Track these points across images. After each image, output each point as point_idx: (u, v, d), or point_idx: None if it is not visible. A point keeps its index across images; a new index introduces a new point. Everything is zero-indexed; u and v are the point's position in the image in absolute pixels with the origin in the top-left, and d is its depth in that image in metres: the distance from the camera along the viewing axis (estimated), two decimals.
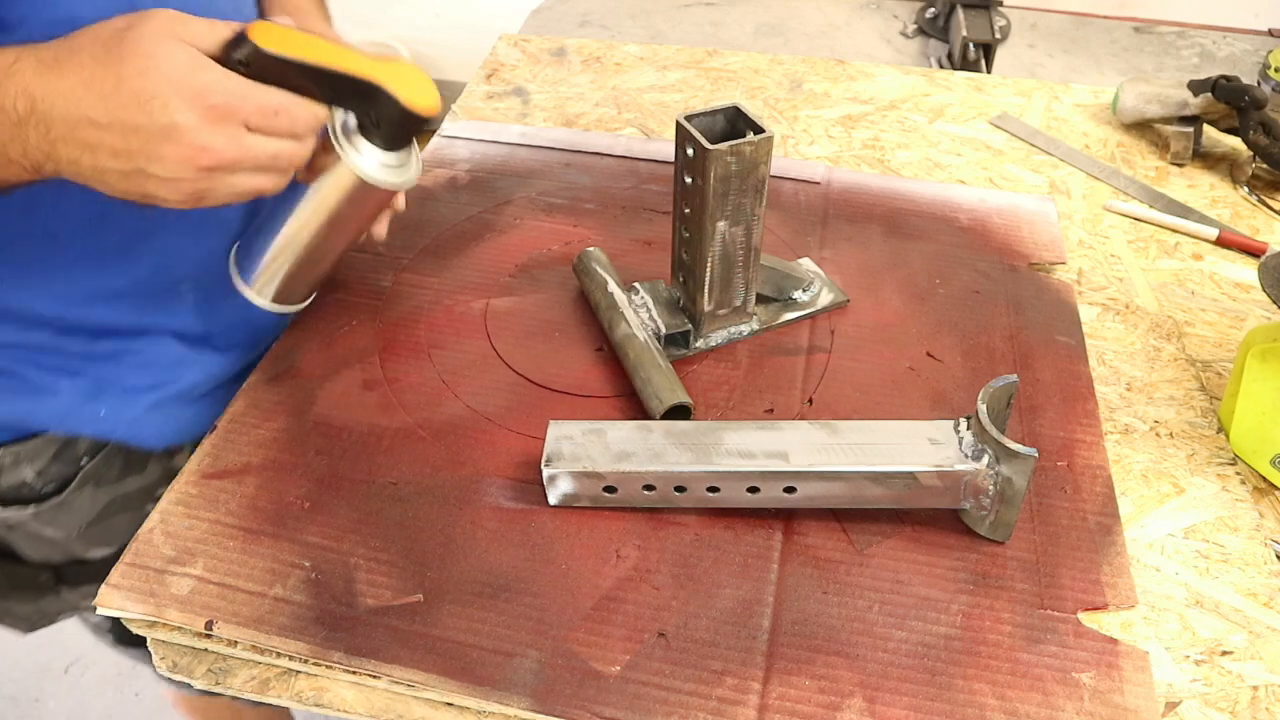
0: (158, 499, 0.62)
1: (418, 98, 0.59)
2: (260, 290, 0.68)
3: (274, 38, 0.54)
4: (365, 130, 0.61)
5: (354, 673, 0.54)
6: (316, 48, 0.56)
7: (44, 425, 0.69)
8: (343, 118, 0.61)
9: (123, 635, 0.86)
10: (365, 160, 0.61)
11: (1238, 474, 0.67)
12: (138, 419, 0.71)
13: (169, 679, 0.56)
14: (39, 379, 0.68)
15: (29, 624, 0.79)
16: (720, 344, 0.74)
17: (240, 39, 0.53)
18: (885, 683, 0.53)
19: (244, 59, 0.53)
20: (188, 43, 0.51)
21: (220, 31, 0.53)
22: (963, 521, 0.61)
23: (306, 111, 0.55)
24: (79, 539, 0.74)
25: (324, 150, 0.60)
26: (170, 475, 0.66)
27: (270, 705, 0.57)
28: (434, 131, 0.99)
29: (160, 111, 0.50)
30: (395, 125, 0.60)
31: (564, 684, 0.53)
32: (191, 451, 0.66)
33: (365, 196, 0.64)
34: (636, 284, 0.76)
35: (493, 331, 0.75)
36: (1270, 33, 1.58)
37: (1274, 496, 0.66)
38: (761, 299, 0.76)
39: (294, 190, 0.65)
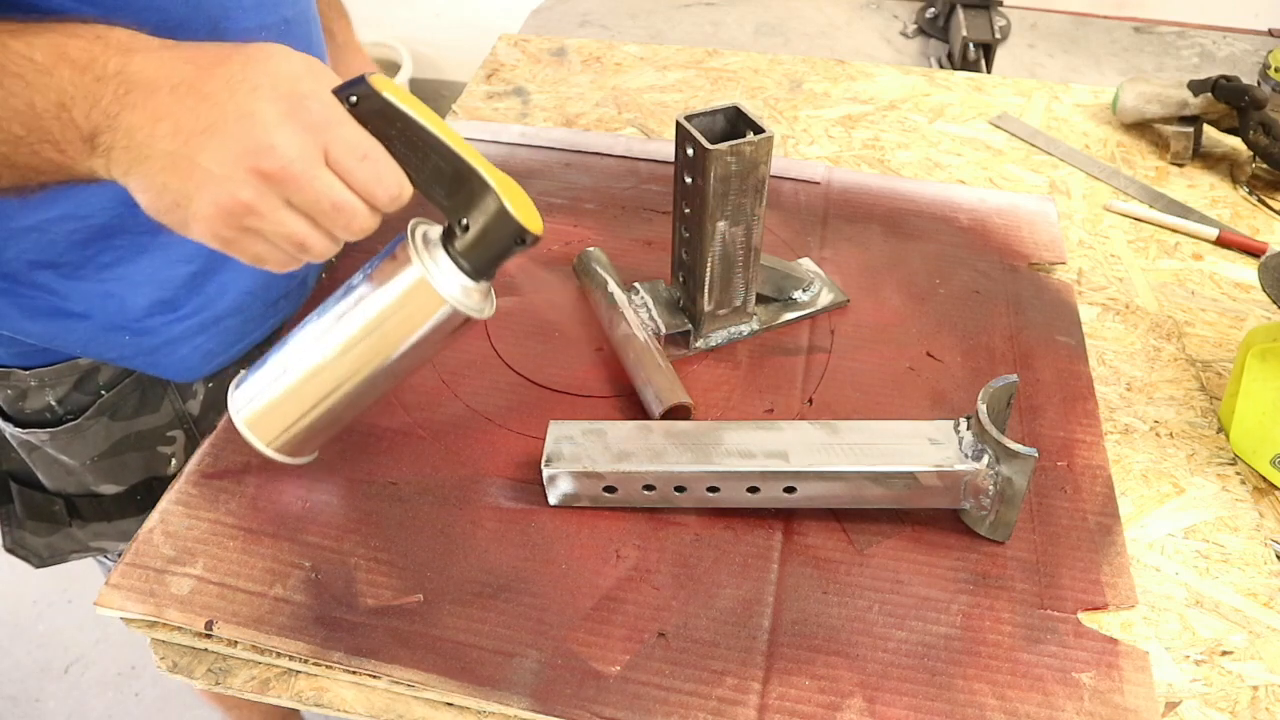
0: (169, 441, 0.63)
1: (523, 212, 0.50)
2: (270, 438, 0.57)
3: (393, 89, 0.48)
4: (450, 243, 0.51)
5: (354, 673, 0.54)
6: (432, 117, 0.49)
7: (71, 348, 0.70)
8: (424, 228, 0.53)
9: None
10: (444, 276, 0.51)
11: (1238, 474, 0.67)
12: (158, 348, 0.72)
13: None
14: (66, 300, 0.67)
15: (40, 559, 0.83)
16: (720, 344, 0.74)
17: (359, 80, 0.48)
18: (885, 683, 0.53)
19: (355, 96, 0.47)
20: (312, 67, 0.47)
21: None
22: (963, 521, 0.61)
23: (394, 174, 0.49)
24: (91, 469, 0.77)
25: (390, 261, 0.52)
26: (182, 419, 0.68)
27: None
28: None
29: (246, 96, 0.45)
30: (492, 240, 0.50)
31: (564, 684, 0.53)
32: (203, 394, 0.66)
33: (435, 321, 0.52)
34: (636, 284, 0.76)
35: (493, 331, 0.75)
36: (1270, 33, 1.58)
37: (1274, 496, 0.66)
38: (761, 299, 0.76)
39: (326, 309, 0.55)
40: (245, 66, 0.46)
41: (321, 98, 0.47)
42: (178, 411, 0.78)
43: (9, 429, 0.75)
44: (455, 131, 0.50)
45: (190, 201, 0.46)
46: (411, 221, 0.53)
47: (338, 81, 0.48)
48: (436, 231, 0.53)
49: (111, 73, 0.45)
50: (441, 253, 0.51)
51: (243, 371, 0.58)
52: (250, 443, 0.57)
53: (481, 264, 0.52)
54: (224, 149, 0.45)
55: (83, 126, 0.46)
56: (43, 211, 0.63)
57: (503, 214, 0.49)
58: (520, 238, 0.50)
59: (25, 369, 0.71)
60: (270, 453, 0.57)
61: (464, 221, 0.50)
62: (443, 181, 0.49)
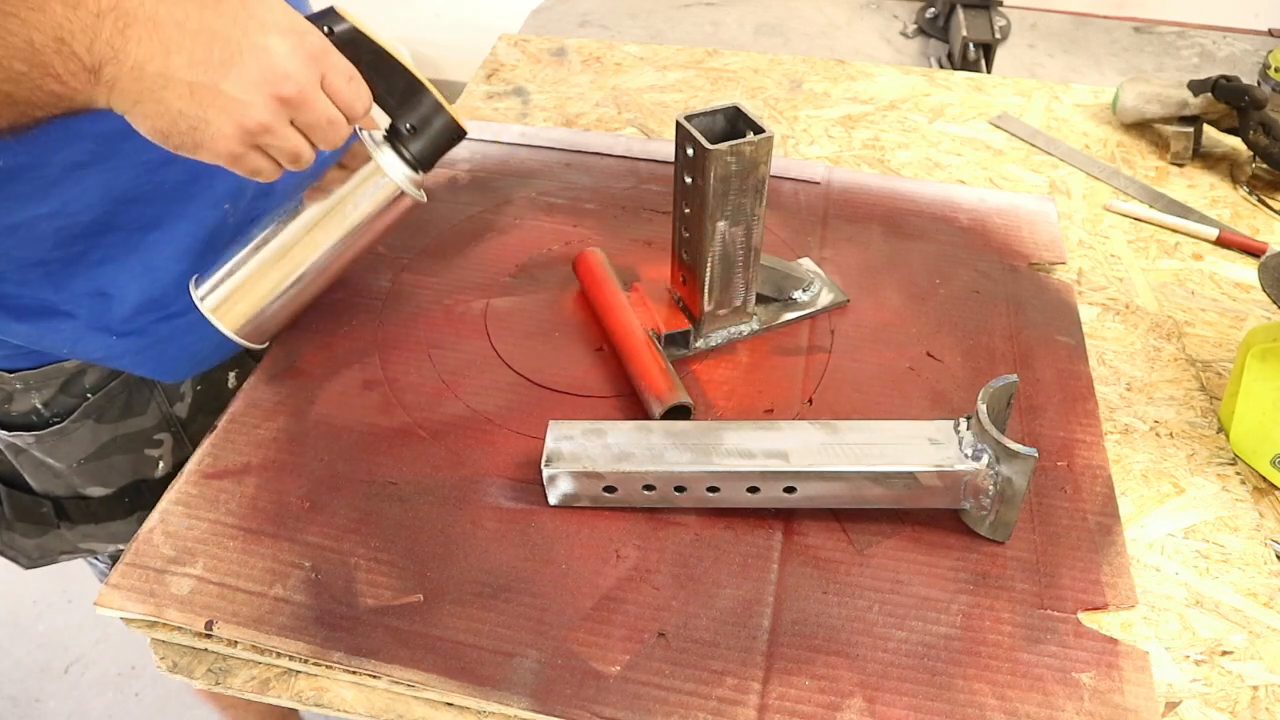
0: (156, 444, 0.64)
1: (458, 115, 0.63)
2: (233, 314, 0.65)
3: (352, 17, 0.58)
4: (397, 142, 0.63)
5: (354, 673, 0.54)
6: (385, 40, 0.59)
7: (57, 348, 0.71)
8: (368, 134, 0.63)
9: None
10: (394, 167, 0.63)
11: (1238, 474, 0.67)
12: (145, 349, 0.72)
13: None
14: (54, 299, 0.68)
15: (30, 560, 0.83)
16: (720, 344, 0.74)
17: (329, 11, 0.57)
18: (885, 683, 0.53)
19: (332, 28, 0.56)
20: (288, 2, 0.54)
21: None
22: (963, 521, 0.61)
23: (367, 91, 0.57)
24: (78, 472, 0.77)
25: (340, 165, 0.62)
26: (169, 422, 0.69)
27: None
28: None
29: (258, 31, 0.51)
30: (435, 135, 0.62)
31: (564, 684, 0.53)
32: (191, 397, 0.67)
33: (386, 208, 0.64)
34: (636, 284, 0.76)
35: (493, 331, 0.75)
36: (1270, 33, 1.58)
37: (1274, 496, 0.66)
38: (761, 299, 0.76)
39: (281, 212, 0.64)
40: (244, 5, 0.51)
41: (316, 33, 0.54)
42: (165, 414, 0.78)
43: None
44: (401, 51, 0.60)
45: (209, 124, 0.52)
46: (361, 131, 0.63)
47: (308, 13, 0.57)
48: (380, 134, 0.63)
49: (107, 8, 0.48)
50: (389, 149, 0.63)
51: (199, 274, 0.65)
52: (216, 327, 0.64)
53: (425, 156, 0.63)
54: (245, 77, 0.51)
55: (85, 60, 0.49)
56: (31, 209, 0.63)
57: (444, 115, 0.62)
58: (457, 132, 0.63)
59: (10, 372, 0.71)
60: (235, 336, 0.65)
61: (410, 124, 0.62)
62: (395, 93, 0.60)
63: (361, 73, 0.57)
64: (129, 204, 0.67)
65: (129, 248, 0.68)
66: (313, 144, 0.57)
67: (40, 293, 0.67)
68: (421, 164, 0.64)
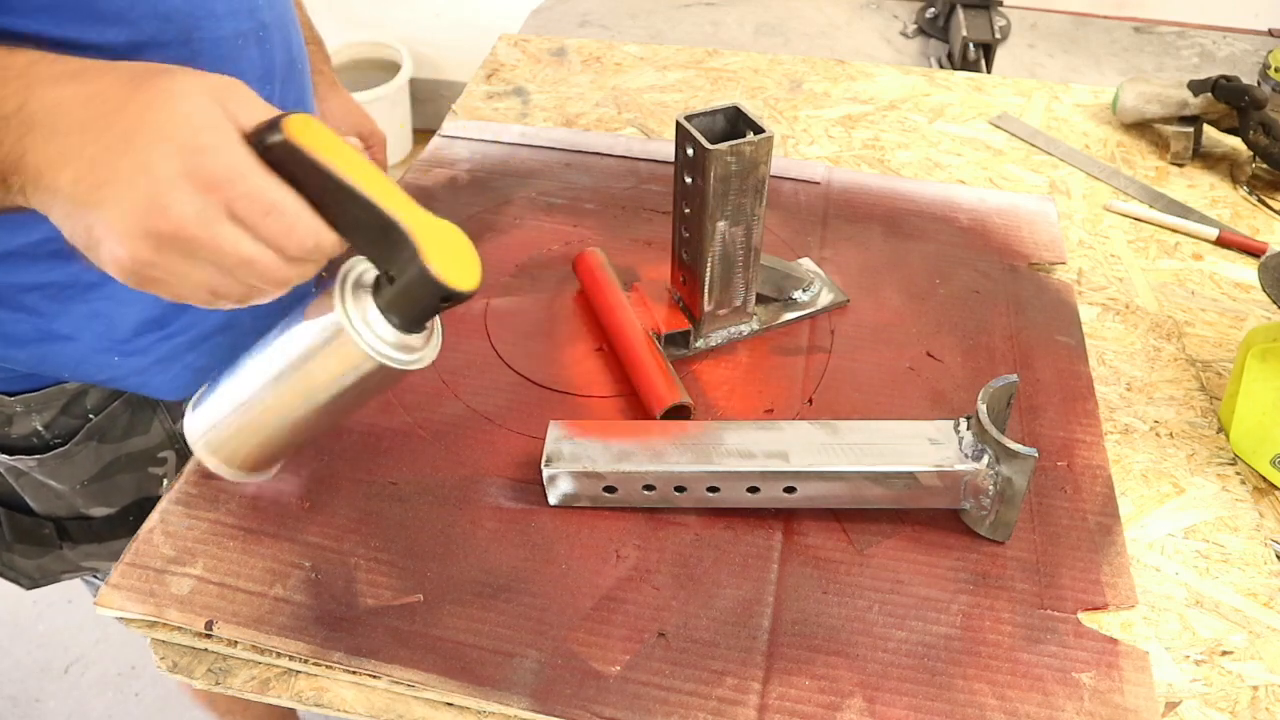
0: (160, 462, 0.62)
1: (450, 267, 0.46)
2: (224, 459, 0.56)
3: (311, 133, 0.45)
4: (379, 293, 0.49)
5: (354, 673, 0.54)
6: (354, 164, 0.46)
7: (59, 371, 0.69)
8: (359, 270, 0.50)
9: None
10: (368, 327, 0.48)
11: (1238, 474, 0.67)
12: (147, 368, 0.70)
13: None
14: (53, 324, 0.67)
15: (31, 580, 0.81)
16: (720, 344, 0.74)
17: (274, 122, 0.45)
18: (885, 683, 0.53)
19: (267, 143, 0.44)
20: (222, 107, 0.45)
21: (268, 115, 0.46)
22: (963, 521, 0.61)
23: (307, 226, 0.46)
24: (81, 494, 0.75)
25: (325, 298, 0.49)
26: (173, 439, 0.66)
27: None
28: (434, 131, 0.99)
29: (142, 149, 0.43)
30: (415, 297, 0.47)
31: (564, 684, 0.53)
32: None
33: (358, 372, 0.50)
34: (636, 284, 0.76)
35: (493, 331, 0.75)
36: (1270, 33, 1.58)
37: (1274, 496, 0.66)
38: (761, 299, 0.76)
39: (275, 340, 0.53)
40: (146, 111, 0.43)
41: (224, 152, 0.44)
42: (168, 432, 0.76)
43: None
44: (382, 175, 0.47)
45: (98, 249, 0.45)
46: (350, 260, 0.50)
47: (257, 107, 0.46)
48: (371, 275, 0.50)
49: (11, 111, 0.44)
50: (369, 301, 0.49)
51: (200, 391, 0.56)
52: (208, 466, 0.56)
53: (407, 319, 0.49)
54: (118, 207, 0.43)
55: None
56: (25, 235, 0.62)
57: (423, 272, 0.46)
58: (444, 296, 0.47)
59: (10, 395, 0.70)
60: (229, 473, 0.57)
61: (389, 273, 0.47)
62: (365, 231, 0.46)
63: (314, 201, 0.45)
64: None
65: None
66: (243, 283, 0.47)
67: (39, 318, 0.66)
68: (405, 326, 0.49)
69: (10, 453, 0.72)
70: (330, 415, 0.54)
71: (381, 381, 0.52)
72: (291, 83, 0.73)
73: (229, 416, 0.54)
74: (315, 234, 0.46)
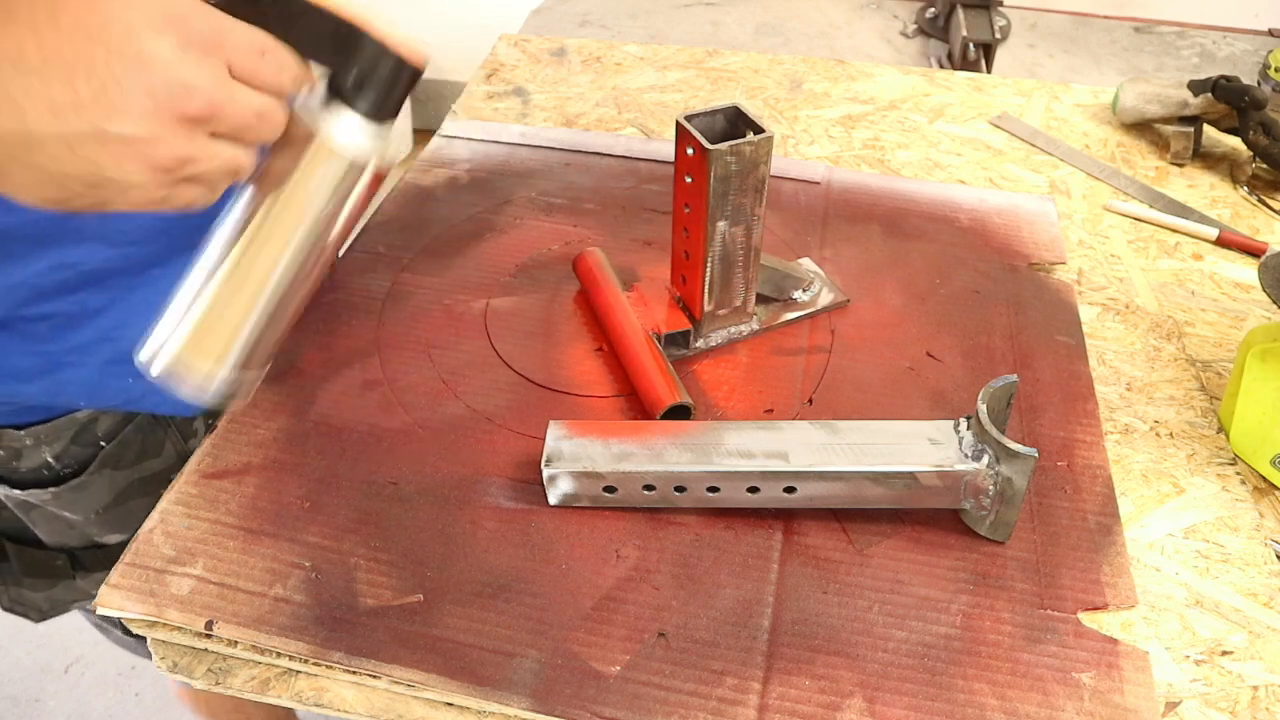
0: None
1: (407, 48, 0.49)
2: (215, 355, 0.49)
3: None
4: (341, 100, 0.48)
5: (354, 673, 0.54)
6: None
7: (73, 400, 0.68)
8: (303, 99, 0.49)
9: (129, 631, 0.89)
10: (351, 132, 0.48)
11: (1238, 474, 0.67)
12: (161, 388, 0.69)
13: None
14: (63, 354, 0.65)
15: (41, 613, 0.80)
16: (720, 344, 0.74)
17: None
18: (885, 683, 0.53)
19: None
20: None
21: None
22: (963, 521, 0.61)
23: (288, 58, 0.44)
24: (96, 523, 0.74)
25: (287, 137, 0.47)
26: (183, 459, 0.66)
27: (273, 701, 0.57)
28: (434, 131, 0.99)
29: (123, 39, 0.38)
30: (385, 82, 0.48)
31: (564, 684, 0.53)
32: (204, 431, 0.64)
33: (350, 188, 0.50)
34: (636, 284, 0.76)
35: (493, 331, 0.75)
36: (1270, 33, 1.58)
37: (1274, 496, 0.66)
38: (761, 299, 0.76)
39: (224, 228, 0.50)
40: (92, 10, 0.38)
41: (198, 10, 0.40)
42: (180, 453, 0.76)
43: (3, 491, 0.71)
44: None
45: (110, 180, 0.40)
46: (295, 100, 0.49)
47: None
48: (318, 98, 0.49)
49: None
50: (334, 111, 0.48)
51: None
52: (187, 383, 0.49)
53: (380, 109, 0.49)
54: (133, 108, 0.39)
55: None
56: (30, 265, 0.61)
57: (390, 56, 0.48)
58: (410, 72, 0.49)
59: (19, 428, 0.68)
60: (222, 374, 0.49)
61: (352, 77, 0.47)
62: (322, 44, 0.46)
63: (273, 33, 0.44)
64: (130, 246, 0.64)
65: (129, 288, 0.66)
66: (251, 144, 0.45)
67: (48, 348, 0.64)
68: (378, 118, 0.50)
69: (20, 487, 0.70)
70: (324, 252, 0.51)
71: (368, 189, 0.51)
72: None
73: (207, 300, 0.49)
74: (295, 61, 0.44)
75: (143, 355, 0.49)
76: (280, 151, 0.48)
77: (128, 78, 0.38)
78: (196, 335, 0.49)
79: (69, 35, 0.38)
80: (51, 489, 0.71)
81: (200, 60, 0.40)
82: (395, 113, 0.51)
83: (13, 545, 0.76)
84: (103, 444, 0.71)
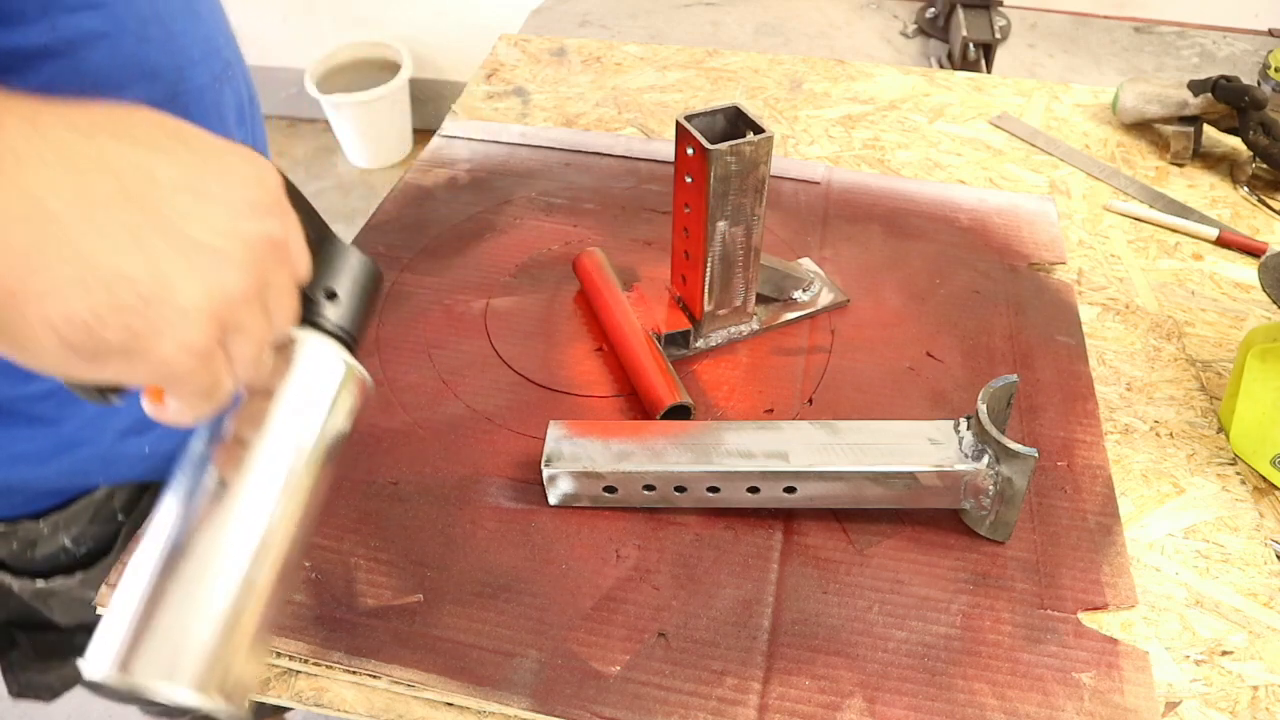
0: None
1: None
2: (221, 677, 0.36)
3: None
4: (318, 318, 0.42)
5: (354, 673, 0.54)
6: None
7: (91, 479, 0.66)
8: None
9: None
10: (334, 350, 0.42)
11: (1238, 474, 0.67)
12: (178, 448, 0.64)
13: None
14: (74, 430, 0.63)
15: (53, 692, 0.77)
16: (720, 344, 0.74)
17: None
18: (885, 683, 0.53)
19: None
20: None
21: None
22: (963, 521, 0.61)
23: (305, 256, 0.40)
24: None
25: (251, 395, 0.40)
26: None
27: None
28: (434, 131, 0.99)
29: (255, 186, 0.35)
30: (364, 292, 0.44)
31: (564, 684, 0.53)
32: None
33: (349, 400, 0.43)
34: (636, 284, 0.76)
35: (493, 331, 0.75)
36: (1270, 33, 1.58)
37: (1274, 496, 0.66)
38: (761, 299, 0.76)
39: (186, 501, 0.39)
40: (228, 148, 0.35)
41: (271, 171, 0.37)
42: None
43: (16, 583, 0.68)
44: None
45: (158, 339, 0.32)
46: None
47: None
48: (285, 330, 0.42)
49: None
50: (308, 333, 0.42)
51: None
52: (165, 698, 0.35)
53: (358, 323, 0.44)
54: (190, 280, 0.33)
55: None
56: None
57: (366, 263, 0.44)
58: (379, 276, 0.45)
59: (36, 518, 0.65)
60: (237, 700, 0.37)
61: (331, 288, 0.43)
62: (313, 248, 0.41)
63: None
64: None
65: None
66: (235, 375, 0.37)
67: (55, 428, 0.62)
68: (354, 336, 0.44)
69: (36, 575, 0.68)
70: (318, 499, 0.42)
71: (355, 408, 0.44)
72: (256, 118, 0.71)
73: (181, 595, 0.36)
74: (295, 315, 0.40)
75: (88, 666, 0.35)
76: (252, 399, 0.40)
77: (243, 229, 0.35)
78: (197, 661, 0.36)
79: (206, 161, 0.34)
80: (80, 573, 0.69)
81: (262, 240, 0.35)
82: (368, 321, 0.45)
83: (23, 632, 0.73)
84: (121, 518, 0.70)
